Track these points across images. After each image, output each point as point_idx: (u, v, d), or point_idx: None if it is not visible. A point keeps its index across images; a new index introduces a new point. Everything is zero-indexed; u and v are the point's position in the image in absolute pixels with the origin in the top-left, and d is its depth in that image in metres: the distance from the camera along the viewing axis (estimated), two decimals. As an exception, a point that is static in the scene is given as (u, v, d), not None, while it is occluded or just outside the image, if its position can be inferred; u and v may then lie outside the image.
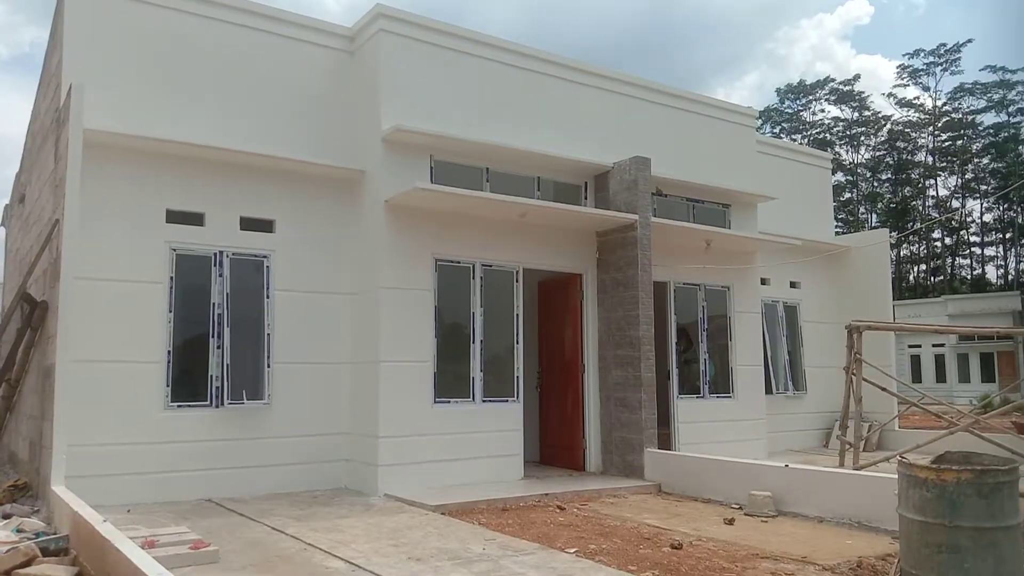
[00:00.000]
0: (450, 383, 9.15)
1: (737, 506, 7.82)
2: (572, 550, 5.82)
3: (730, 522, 7.05)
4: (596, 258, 10.58)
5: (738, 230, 11.90)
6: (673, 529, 6.71)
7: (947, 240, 56.12)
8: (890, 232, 17.97)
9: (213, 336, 8.52)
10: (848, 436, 10.09)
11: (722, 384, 11.69)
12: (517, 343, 9.76)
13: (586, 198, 10.72)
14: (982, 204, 54.22)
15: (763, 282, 13.07)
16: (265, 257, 8.94)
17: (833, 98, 58.68)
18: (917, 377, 37.18)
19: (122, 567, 3.91)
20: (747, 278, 12.17)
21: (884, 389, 10.47)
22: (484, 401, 9.33)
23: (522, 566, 5.28)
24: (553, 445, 10.78)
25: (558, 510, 7.67)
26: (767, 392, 12.50)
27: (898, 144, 57.04)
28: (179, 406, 8.25)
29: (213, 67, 8.91)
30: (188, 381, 8.40)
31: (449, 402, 9.08)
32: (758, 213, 12.49)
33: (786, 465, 8.01)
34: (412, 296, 8.93)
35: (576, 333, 10.50)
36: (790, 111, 60.12)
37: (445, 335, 9.22)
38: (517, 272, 9.86)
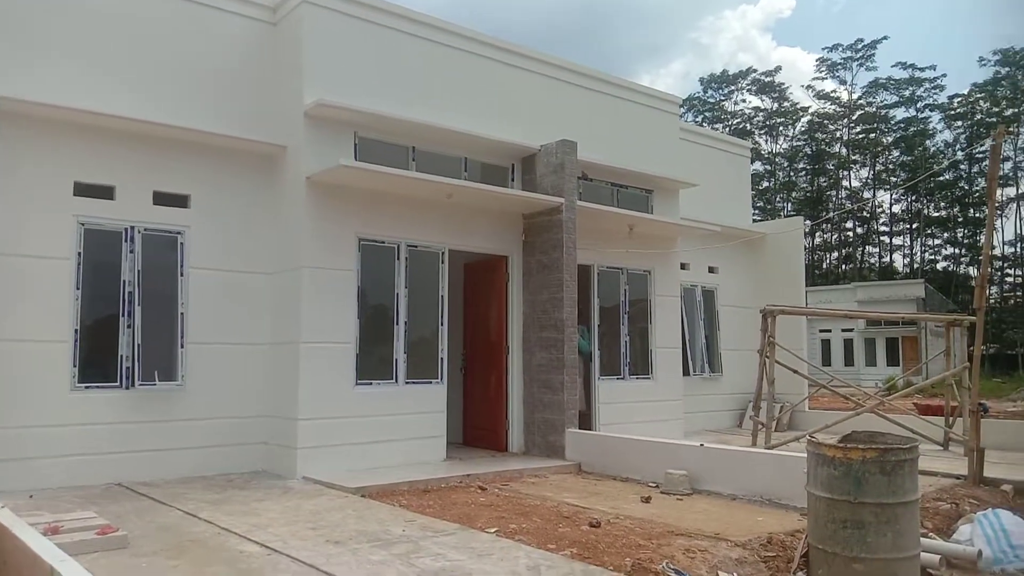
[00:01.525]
0: (373, 365, 9.05)
1: (654, 484, 8.01)
2: (492, 530, 5.86)
3: (647, 500, 7.22)
4: (522, 240, 10.60)
5: (660, 215, 12.11)
6: (592, 508, 6.83)
7: (858, 230, 58.58)
8: (805, 220, 18.58)
9: (124, 315, 8.19)
10: (761, 417, 10.43)
11: (641, 366, 11.92)
12: (442, 325, 9.72)
13: (513, 180, 10.72)
14: (891, 196, 56.81)
15: (683, 267, 13.36)
16: (179, 233, 8.62)
17: (754, 89, 60.37)
18: (827, 360, 38.80)
19: (20, 555, 3.73)
20: (668, 263, 12.42)
21: (795, 371, 10.85)
22: (407, 383, 9.27)
23: (442, 547, 5.29)
24: (477, 426, 10.82)
25: (480, 491, 7.71)
26: (684, 374, 12.82)
27: (815, 135, 59.09)
28: (87, 387, 7.92)
29: (128, 35, 8.49)
30: (97, 361, 8.06)
31: (371, 384, 8.98)
32: (680, 199, 12.73)
33: (701, 445, 8.24)
34: (334, 276, 8.77)
35: (501, 315, 10.53)
36: (713, 100, 61.53)
37: (368, 316, 9.10)
38: (443, 253, 9.80)
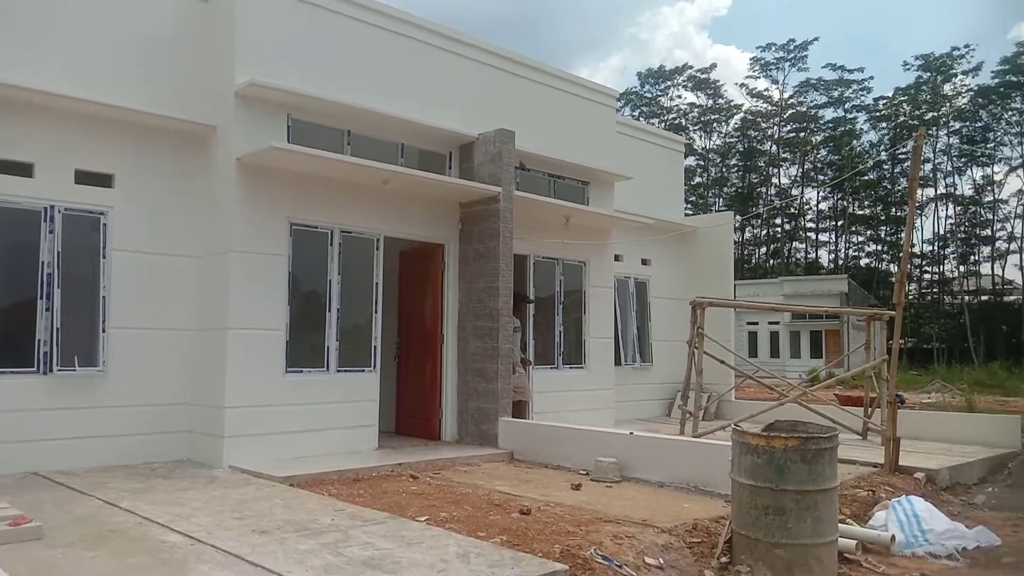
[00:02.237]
0: (304, 352, 8.90)
1: (584, 472, 8.11)
2: (423, 518, 5.85)
3: (577, 487, 7.31)
4: (459, 229, 10.57)
5: (596, 207, 12.23)
6: (523, 495, 6.88)
7: (787, 226, 60.27)
8: (735, 216, 19.01)
9: (42, 298, 7.84)
10: (689, 406, 10.67)
11: (575, 355, 12.04)
12: (376, 312, 9.62)
13: (450, 168, 10.67)
14: (819, 193, 58.60)
15: (617, 258, 13.52)
16: (102, 214, 8.30)
17: (690, 85, 61.39)
18: (754, 352, 39.89)
19: (-77, 547, 3.55)
20: (602, 254, 12.56)
21: (723, 362, 11.14)
22: (339, 371, 9.15)
23: (371, 535, 5.25)
24: (410, 415, 10.76)
25: (411, 479, 7.68)
26: (616, 364, 13.01)
27: (748, 132, 60.49)
28: (1, 372, 7.57)
29: (51, 7, 8.08)
30: (12, 346, 7.72)
31: (302, 371, 8.83)
32: (615, 192, 12.88)
33: (631, 433, 8.38)
34: (264, 261, 8.58)
35: (436, 304, 10.48)
36: (650, 95, 62.34)
37: (299, 303, 8.94)
38: (378, 240, 9.69)
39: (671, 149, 16.76)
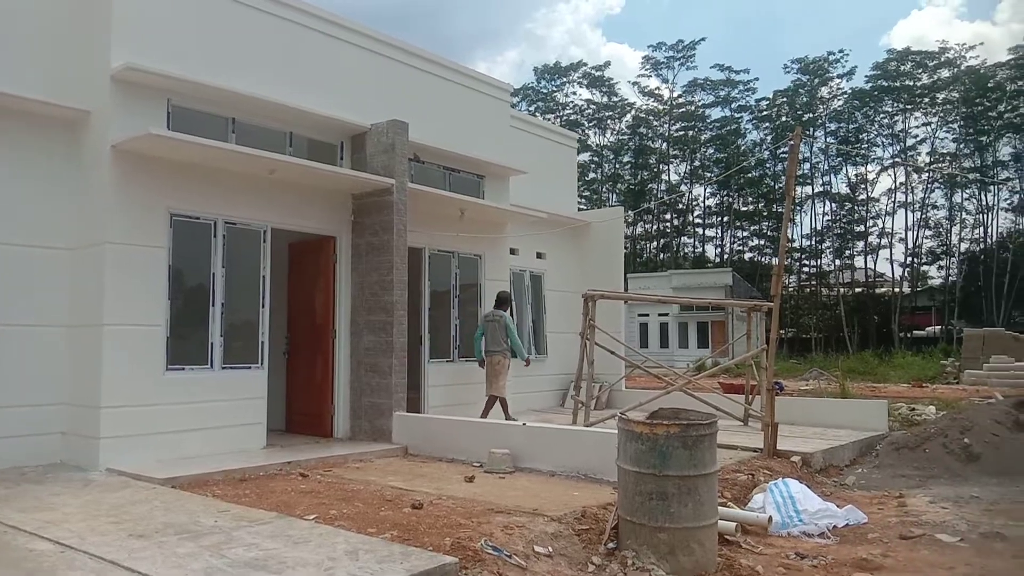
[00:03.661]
0: (186, 349, 8.53)
1: (478, 464, 8.15)
2: (312, 516, 5.73)
3: (470, 480, 7.33)
4: (351, 221, 10.38)
5: (491, 201, 12.27)
6: (416, 490, 6.84)
7: (676, 221, 62.25)
8: (626, 211, 19.50)
9: None
10: (581, 396, 10.88)
11: (471, 348, 12.05)
12: (263, 307, 9.32)
13: (342, 158, 10.46)
14: (705, 190, 60.80)
15: (512, 252, 13.62)
16: (-41, 202, 7.70)
17: (585, 82, 62.41)
18: (644, 343, 41.13)
19: None
20: (498, 247, 12.62)
21: (613, 353, 11.41)
22: (224, 368, 8.81)
23: (256, 536, 5.10)
24: (301, 412, 10.51)
25: (301, 477, 7.51)
26: (512, 356, 13.08)
27: (639, 130, 62.06)
28: None
29: None
30: None
31: (184, 369, 8.47)
32: (510, 185, 12.96)
33: (524, 424, 8.47)
34: (143, 254, 8.16)
35: (328, 298, 10.26)
36: (546, 91, 63.01)
37: (181, 297, 8.57)
38: (265, 232, 9.39)
39: (565, 145, 17.01)
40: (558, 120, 58.40)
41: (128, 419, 7.87)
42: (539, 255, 14.92)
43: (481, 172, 12.45)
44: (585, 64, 62.75)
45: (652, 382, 16.68)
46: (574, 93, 62.99)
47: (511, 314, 11.82)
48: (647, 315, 42.51)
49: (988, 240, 50.24)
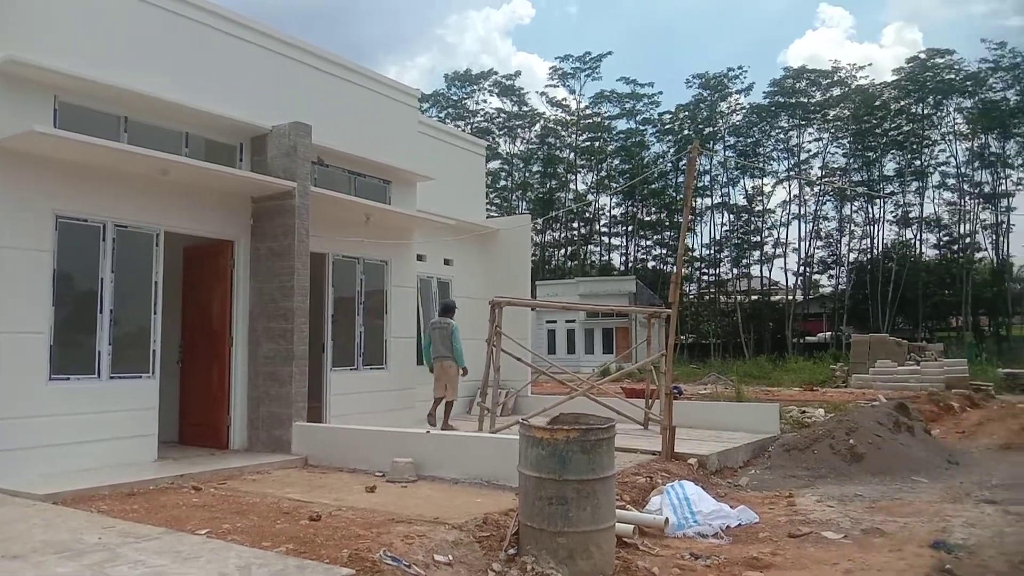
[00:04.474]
0: (72, 357, 8.09)
1: (380, 474, 8.03)
2: (204, 531, 5.52)
3: (371, 490, 7.23)
4: (251, 225, 10.08)
5: (398, 206, 12.17)
6: (314, 501, 6.69)
7: (583, 230, 63.25)
8: (534, 219, 19.71)
9: None
10: (487, 402, 10.90)
11: (376, 356, 11.90)
12: (155, 314, 8.94)
13: (241, 160, 10.16)
14: (612, 200, 62.06)
15: (420, 258, 13.53)
16: None
17: (496, 90, 62.71)
18: (552, 349, 41.59)
19: None
20: (405, 254, 12.52)
21: (519, 359, 11.49)
22: (113, 377, 8.40)
23: (143, 553, 4.87)
24: (195, 423, 10.11)
25: (193, 491, 7.22)
26: (418, 363, 13.00)
27: (548, 140, 62.81)
28: None
29: None
30: None
31: (69, 379, 8.03)
32: (417, 191, 12.88)
33: (427, 431, 8.42)
34: (24, 257, 7.69)
35: (225, 304, 9.93)
36: (456, 97, 63.01)
37: (67, 303, 8.12)
38: (158, 236, 9.02)
39: (473, 152, 17.05)
40: (469, 127, 58.46)
41: (6, 432, 7.39)
42: (447, 262, 14.88)
43: (388, 177, 12.32)
44: (496, 73, 63.14)
45: (558, 388, 16.86)
46: (485, 101, 63.26)
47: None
48: (555, 322, 43.02)
49: (875, 251, 53.18)
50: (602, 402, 12.00)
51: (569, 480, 5.19)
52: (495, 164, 61.60)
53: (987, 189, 49.80)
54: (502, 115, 62.88)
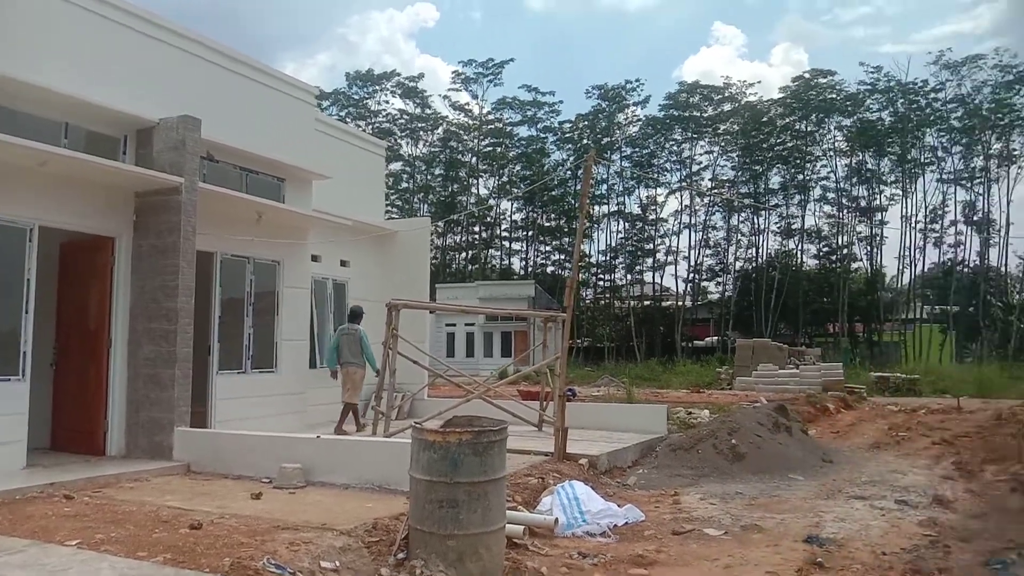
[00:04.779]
0: (-72, 358, 7.52)
1: (267, 480, 7.81)
2: (74, 542, 5.22)
3: (257, 497, 7.03)
4: (134, 221, 9.62)
5: (292, 205, 11.88)
6: (196, 509, 6.44)
7: (484, 234, 63.52)
8: (434, 222, 19.65)
9: None
10: (382, 406, 10.79)
11: (265, 359, 11.57)
12: (26, 313, 8.38)
13: (125, 153, 9.69)
14: (513, 205, 62.60)
15: (314, 259, 13.25)
16: None
17: (399, 92, 62.16)
18: (451, 352, 41.53)
19: None
20: (298, 254, 12.23)
21: (415, 362, 11.43)
22: (-25, 380, 7.85)
23: (4, 567, 4.57)
24: (69, 428, 9.55)
25: (65, 500, 6.82)
26: (311, 366, 12.75)
27: (450, 143, 62.77)
28: None
29: None
30: None
31: (-75, 381, 7.45)
32: (313, 190, 12.63)
33: (318, 436, 8.26)
34: None
35: (104, 303, 9.43)
36: (358, 97, 62.10)
37: (-78, 300, 7.54)
38: (32, 230, 8.47)
39: (373, 152, 16.86)
40: (370, 128, 57.69)
41: None
42: (343, 263, 14.63)
43: (282, 175, 12.02)
44: (399, 74, 62.57)
45: (455, 391, 16.86)
46: (387, 102, 62.58)
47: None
48: (454, 325, 43.01)
49: (759, 260, 55.69)
50: (498, 405, 12.08)
51: (460, 483, 5.20)
52: (397, 166, 61.06)
53: (863, 203, 53.03)
54: (404, 116, 62.42)
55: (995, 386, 26.00)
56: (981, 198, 49.71)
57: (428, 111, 62.56)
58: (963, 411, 18.87)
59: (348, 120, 55.74)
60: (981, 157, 49.49)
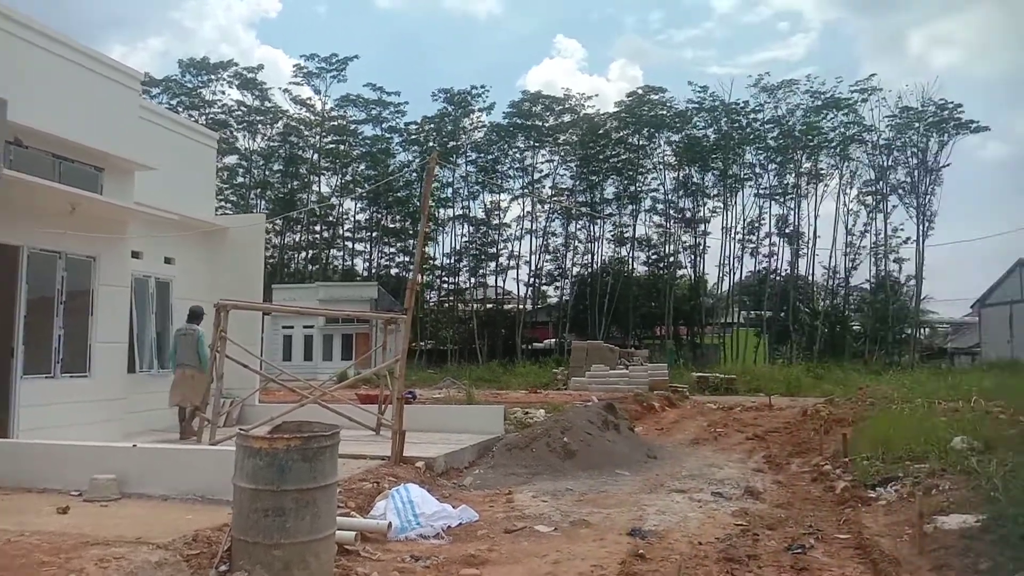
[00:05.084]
0: None
1: (77, 493, 7.22)
2: None
3: (64, 511, 6.48)
4: (-81, 209, 8.63)
5: (111, 196, 11.06)
6: (-10, 527, 5.86)
7: (325, 233, 61.99)
8: (270, 219, 18.99)
9: None
10: (208, 413, 10.28)
11: (78, 362, 10.70)
12: None
13: (-91, 134, 8.66)
14: (356, 205, 61.48)
15: (135, 255, 12.41)
16: None
17: (237, 82, 59.36)
18: (288, 356, 40.21)
19: None
20: (117, 249, 11.40)
21: (246, 366, 10.98)
22: None
23: None
24: None
25: None
26: (130, 371, 11.93)
27: (291, 139, 60.72)
28: None
29: None
30: None
31: None
32: (136, 182, 11.82)
33: (134, 445, 7.75)
34: None
35: None
36: (191, 86, 58.78)
37: None
38: None
39: (204, 144, 16.00)
40: (204, 118, 54.74)
41: None
42: (168, 260, 13.78)
43: (101, 164, 11.17)
44: (236, 64, 59.74)
45: (291, 396, 16.35)
46: (223, 92, 59.56)
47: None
48: (292, 327, 41.62)
49: (595, 265, 57.94)
50: (334, 409, 11.84)
51: (288, 490, 5.05)
52: (232, 159, 58.39)
53: (688, 215, 56.47)
54: (242, 108, 59.69)
55: (802, 385, 28.61)
56: (792, 212, 54.43)
57: (268, 104, 60.18)
58: (774, 408, 20.60)
59: (180, 110, 52.58)
60: (793, 175, 54.12)
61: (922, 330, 56.86)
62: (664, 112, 55.44)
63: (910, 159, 51.42)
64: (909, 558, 5.98)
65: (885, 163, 52.32)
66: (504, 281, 59.22)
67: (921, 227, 50.10)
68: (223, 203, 56.04)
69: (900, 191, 51.72)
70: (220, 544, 5.36)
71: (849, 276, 54.53)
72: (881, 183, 52.34)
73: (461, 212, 59.04)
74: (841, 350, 49.39)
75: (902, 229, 52.00)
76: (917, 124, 50.14)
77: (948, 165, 50.33)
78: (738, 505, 8.37)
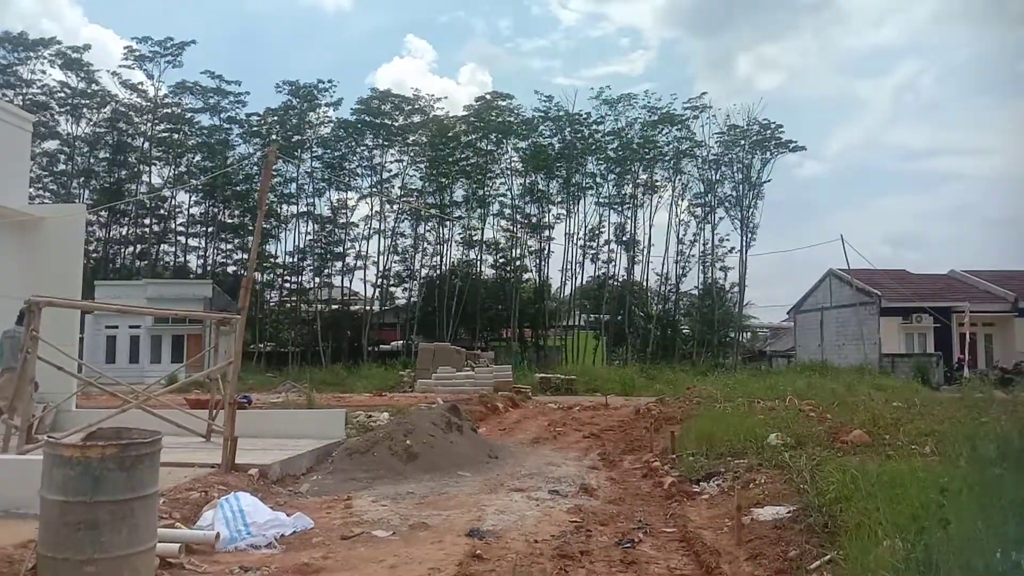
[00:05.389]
0: None
1: None
2: None
3: None
4: None
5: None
6: None
7: (156, 227, 58.27)
8: (90, 209, 17.64)
9: None
10: (15, 420, 9.39)
11: None
12: None
13: None
14: (191, 198, 58.17)
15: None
16: None
17: (60, 62, 54.59)
18: (112, 358, 37.49)
19: None
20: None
21: (61, 369, 10.13)
22: None
23: None
24: None
25: None
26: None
27: (119, 125, 56.61)
28: None
29: None
30: None
31: None
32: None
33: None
34: None
35: None
36: (5, 62, 53.47)
37: None
38: None
39: (16, 126, 14.65)
40: (21, 99, 49.98)
41: None
42: (-30, 252, 12.51)
43: None
44: (60, 42, 54.89)
45: (113, 401, 15.25)
46: (43, 72, 54.58)
47: None
48: (116, 327, 38.79)
49: (443, 267, 58.01)
50: (160, 415, 11.18)
51: (102, 502, 4.72)
52: (52, 144, 53.67)
53: (534, 220, 57.82)
54: (65, 90, 54.95)
55: (636, 385, 30.04)
56: (629, 221, 57.08)
57: (95, 87, 55.75)
58: (610, 408, 21.49)
59: (-9, 87, 47.74)
60: (631, 185, 56.78)
61: (744, 334, 61.33)
62: (512, 119, 56.47)
63: (736, 174, 55.46)
64: (728, 549, 6.44)
65: (713, 177, 56.10)
66: (351, 282, 58.07)
67: (744, 238, 54.28)
68: (41, 191, 51.50)
69: (726, 204, 55.66)
70: (23, 562, 4.92)
71: (680, 282, 57.95)
72: (710, 196, 56.07)
73: (306, 209, 57.28)
74: (672, 352, 52.30)
75: (728, 239, 56.07)
76: (743, 142, 54.14)
77: (769, 181, 54.99)
78: (573, 502, 8.66)
